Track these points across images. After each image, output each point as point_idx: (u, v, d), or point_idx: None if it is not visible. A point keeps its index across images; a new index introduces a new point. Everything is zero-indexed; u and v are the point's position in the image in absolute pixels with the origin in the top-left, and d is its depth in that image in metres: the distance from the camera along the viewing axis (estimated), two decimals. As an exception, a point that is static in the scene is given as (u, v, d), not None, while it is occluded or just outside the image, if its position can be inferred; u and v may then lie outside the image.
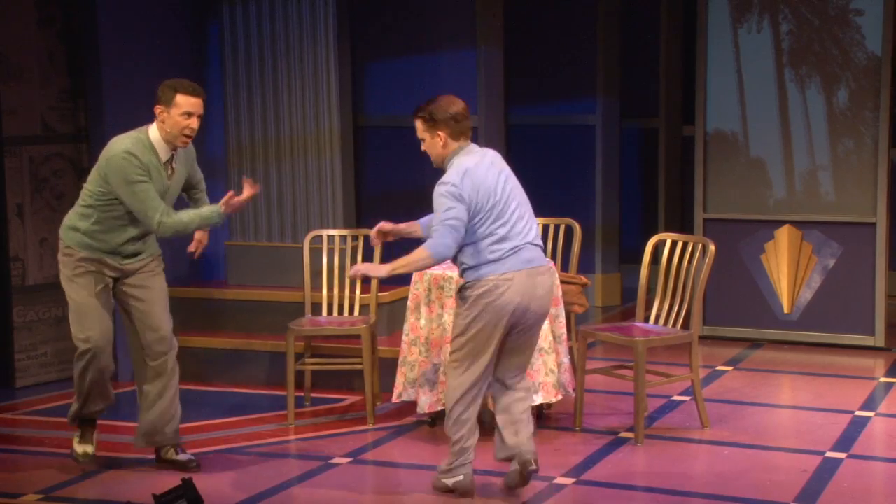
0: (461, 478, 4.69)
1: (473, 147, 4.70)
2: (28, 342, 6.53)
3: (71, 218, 5.03)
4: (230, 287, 6.84)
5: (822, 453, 5.21)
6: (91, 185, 4.95)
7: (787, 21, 7.12)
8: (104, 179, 4.88)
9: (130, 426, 5.48)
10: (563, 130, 8.47)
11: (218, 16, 6.85)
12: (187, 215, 4.94)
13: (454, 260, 4.68)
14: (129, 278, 5.04)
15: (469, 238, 4.57)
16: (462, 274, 4.69)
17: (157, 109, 4.90)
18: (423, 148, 4.69)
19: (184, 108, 4.86)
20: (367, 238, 6.10)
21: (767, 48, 7.15)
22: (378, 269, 4.64)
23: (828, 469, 5.01)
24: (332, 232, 6.22)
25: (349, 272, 4.76)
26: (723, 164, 7.30)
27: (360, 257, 6.07)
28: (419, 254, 4.53)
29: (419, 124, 4.64)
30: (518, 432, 4.71)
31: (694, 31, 7.44)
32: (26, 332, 6.52)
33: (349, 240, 6.23)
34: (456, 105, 4.62)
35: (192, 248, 5.31)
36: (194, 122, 4.90)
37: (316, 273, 6.16)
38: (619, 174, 8.56)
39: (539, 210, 6.71)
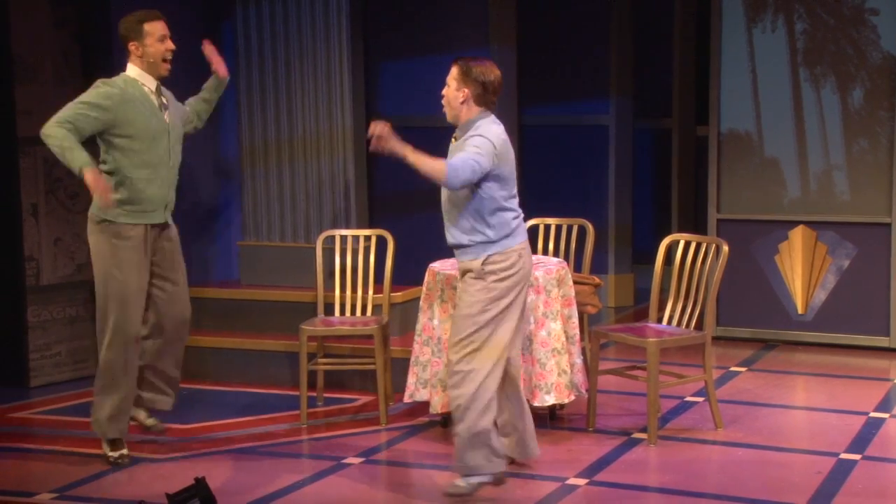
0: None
1: (495, 118, 4.69)
2: (42, 342, 6.55)
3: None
4: (243, 287, 6.85)
5: (837, 455, 5.19)
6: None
7: (801, 20, 7.09)
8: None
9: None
10: (577, 131, 8.46)
11: (231, 16, 6.87)
12: (63, 140, 4.80)
13: (462, 239, 4.61)
14: (159, 258, 5.10)
15: (490, 208, 4.55)
16: (473, 250, 4.59)
17: (132, 46, 5.03)
18: (443, 92, 4.65)
19: (158, 34, 5.04)
20: (380, 238, 6.13)
21: (782, 48, 7.12)
22: (401, 148, 4.42)
23: (842, 470, 4.99)
24: (344, 232, 6.22)
25: (373, 129, 4.44)
26: (737, 165, 7.28)
27: (372, 257, 6.07)
28: (436, 164, 4.39)
29: (454, 70, 4.62)
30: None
31: (708, 31, 7.42)
32: (40, 332, 6.54)
33: (362, 240, 6.23)
34: (494, 74, 4.61)
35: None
36: (171, 44, 5.08)
37: (329, 273, 6.16)
38: (633, 174, 8.55)
39: (552, 210, 6.75)
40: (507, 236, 4.61)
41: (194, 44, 6.96)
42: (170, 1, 6.83)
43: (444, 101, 4.67)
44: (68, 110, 4.89)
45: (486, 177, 4.51)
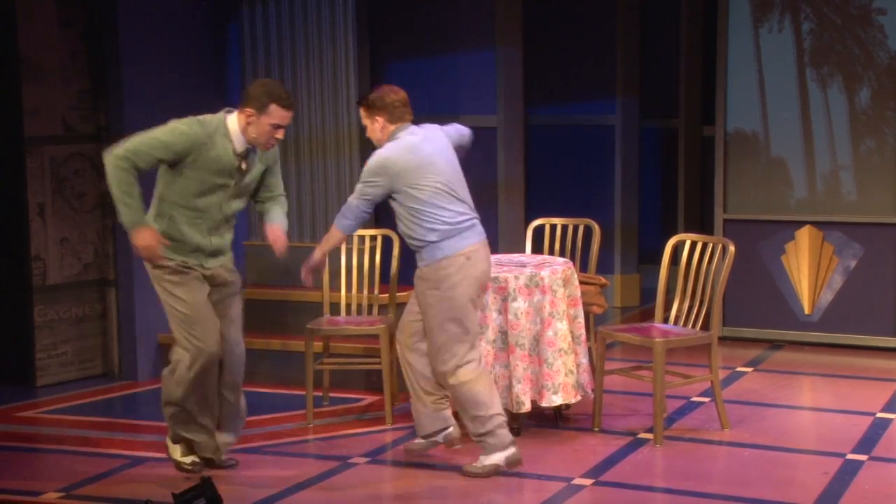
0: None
1: (414, 128, 4.91)
2: (49, 341, 6.56)
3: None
4: (249, 286, 6.85)
5: (843, 455, 5.18)
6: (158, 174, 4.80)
7: (808, 20, 7.08)
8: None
9: (149, 425, 5.51)
10: (583, 131, 8.46)
11: (238, 16, 6.87)
12: (123, 187, 4.57)
13: (409, 239, 4.86)
14: (212, 294, 4.87)
15: (425, 215, 4.78)
16: (421, 252, 4.85)
17: (247, 112, 4.69)
18: (367, 135, 4.96)
19: (276, 120, 4.71)
20: (386, 238, 6.13)
21: (789, 48, 7.11)
22: (315, 259, 5.02)
23: (849, 471, 4.98)
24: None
25: (303, 279, 5.05)
26: (743, 165, 7.27)
27: (378, 257, 6.08)
28: (332, 233, 5.02)
29: (361, 111, 4.95)
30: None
31: (714, 31, 7.41)
32: (47, 331, 6.55)
33: (367, 240, 6.23)
34: (396, 94, 4.89)
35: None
36: (281, 134, 4.77)
37: (335, 273, 6.16)
38: (639, 174, 8.54)
39: (558, 210, 6.74)
40: (451, 237, 4.83)
41: (202, 43, 6.99)
42: (176, 1, 6.86)
43: (373, 141, 4.93)
44: (139, 143, 4.62)
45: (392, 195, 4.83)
